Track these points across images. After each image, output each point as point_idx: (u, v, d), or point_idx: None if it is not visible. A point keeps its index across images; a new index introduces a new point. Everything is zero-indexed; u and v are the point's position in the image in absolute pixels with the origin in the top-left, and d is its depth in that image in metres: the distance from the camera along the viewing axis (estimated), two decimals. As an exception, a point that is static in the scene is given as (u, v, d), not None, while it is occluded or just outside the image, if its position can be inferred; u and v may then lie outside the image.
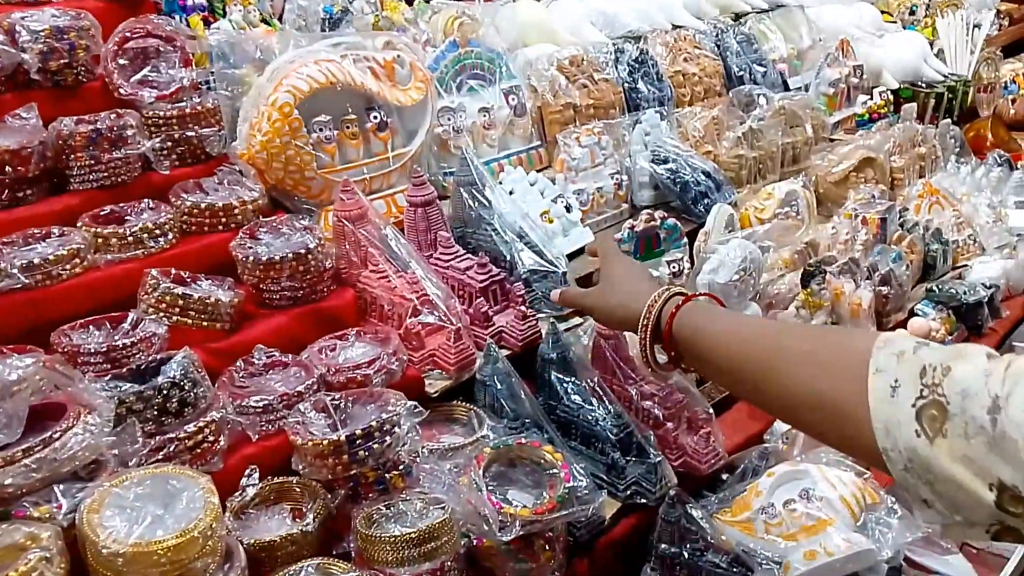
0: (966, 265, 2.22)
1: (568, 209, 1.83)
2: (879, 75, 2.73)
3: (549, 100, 1.93)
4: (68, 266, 1.22)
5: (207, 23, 1.66)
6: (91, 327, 1.17)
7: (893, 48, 2.80)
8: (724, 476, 1.44)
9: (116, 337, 1.15)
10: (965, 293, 2.02)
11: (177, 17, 1.66)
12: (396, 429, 1.11)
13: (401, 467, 1.13)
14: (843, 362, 0.74)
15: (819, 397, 0.76)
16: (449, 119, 1.76)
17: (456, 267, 1.46)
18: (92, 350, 1.12)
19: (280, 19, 1.77)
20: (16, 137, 1.31)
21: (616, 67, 2.11)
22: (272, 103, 1.44)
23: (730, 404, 1.61)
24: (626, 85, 2.11)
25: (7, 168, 1.28)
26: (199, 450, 1.06)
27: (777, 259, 1.95)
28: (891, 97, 2.66)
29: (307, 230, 1.38)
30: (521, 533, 1.08)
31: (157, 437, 1.03)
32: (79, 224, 1.30)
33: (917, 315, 1.99)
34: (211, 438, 1.08)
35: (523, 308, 1.43)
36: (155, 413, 1.04)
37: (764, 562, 1.23)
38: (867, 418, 0.70)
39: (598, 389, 1.39)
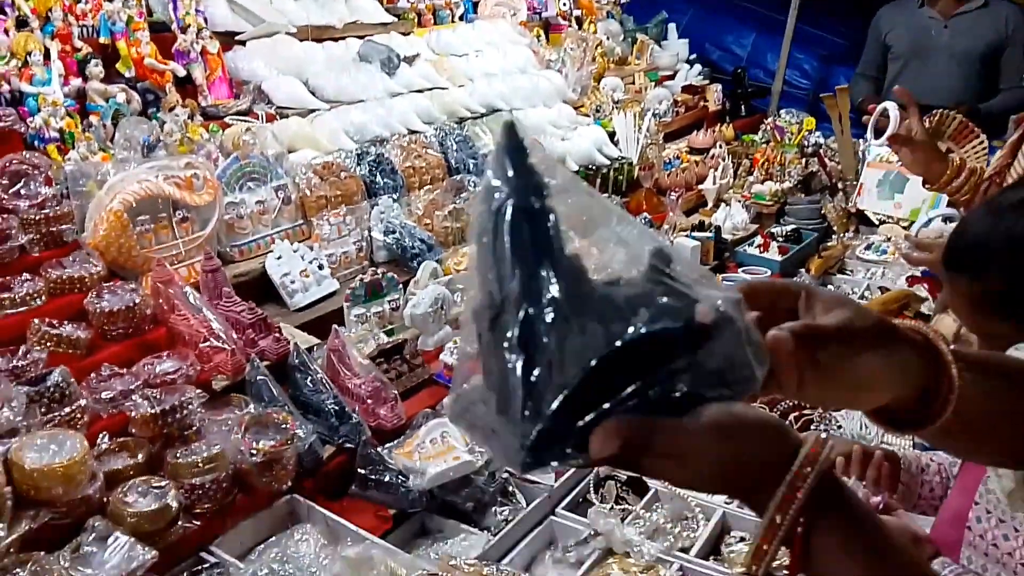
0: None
1: (320, 267, 2.74)
2: (564, 160, 3.83)
3: (307, 193, 2.83)
4: (-20, 319, 1.99)
5: (60, 150, 2.44)
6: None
7: (576, 140, 3.91)
8: (408, 431, 2.38)
9: (15, 360, 1.94)
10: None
11: (37, 144, 2.43)
12: (188, 406, 1.96)
13: (194, 428, 1.99)
14: None
15: None
16: (234, 209, 2.63)
17: (234, 310, 2.33)
18: (1, 368, 1.90)
19: (112, 141, 2.57)
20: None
21: (359, 166, 3.05)
22: (109, 210, 2.26)
23: (419, 389, 2.56)
24: (367, 179, 3.05)
25: (-68, 258, 2.03)
26: (73, 421, 1.87)
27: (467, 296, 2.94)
28: (569, 177, 3.76)
29: (133, 291, 2.20)
30: (264, 460, 1.96)
31: (49, 414, 1.84)
32: (-18, 292, 2.07)
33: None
34: (80, 415, 1.89)
35: (277, 335, 2.32)
36: (47, 401, 1.85)
37: (413, 473, 2.17)
38: None
39: (327, 382, 2.29)
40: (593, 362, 0.50)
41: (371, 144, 3.19)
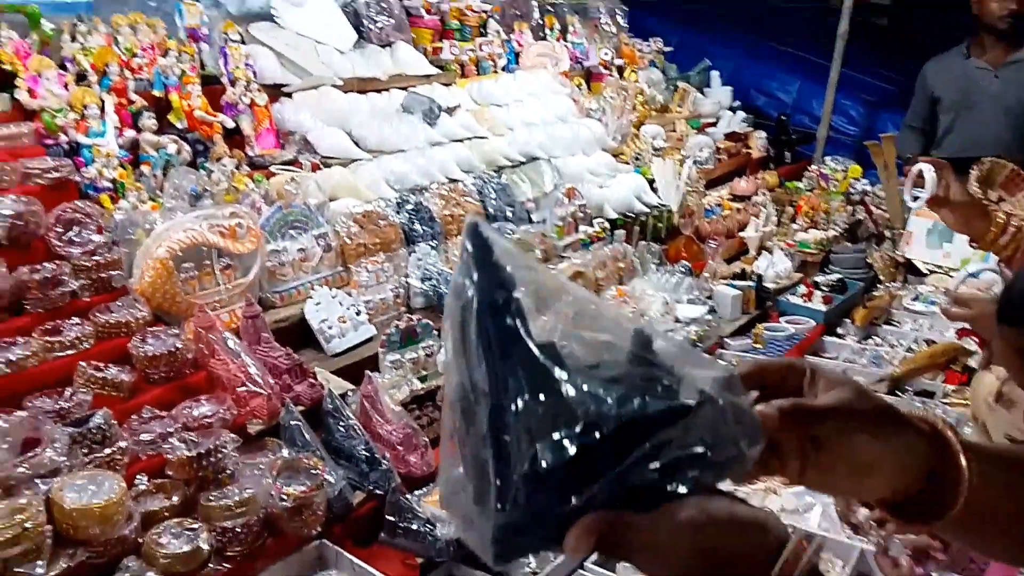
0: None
1: (358, 314, 2.79)
2: (602, 208, 3.85)
3: (347, 241, 2.90)
4: (30, 361, 2.08)
5: (113, 199, 2.55)
6: (45, 397, 2.03)
7: (615, 188, 3.94)
8: (437, 479, 2.39)
9: (61, 402, 2.01)
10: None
11: (91, 193, 2.54)
12: (223, 450, 2.01)
13: (228, 471, 2.03)
14: None
15: None
16: (276, 257, 2.70)
17: (271, 355, 2.38)
18: (48, 409, 1.97)
19: (162, 190, 2.67)
20: (-7, 284, 2.17)
21: (398, 214, 3.12)
22: (155, 258, 2.35)
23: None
24: (406, 226, 3.11)
25: (-12, 303, 2.13)
26: (113, 462, 1.93)
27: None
28: (607, 225, 3.78)
29: (176, 336, 2.27)
30: (294, 505, 1.99)
31: (90, 455, 1.90)
32: (33, 334, 2.15)
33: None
34: (120, 456, 1.95)
35: (312, 380, 2.37)
36: (89, 443, 1.91)
37: (441, 522, 2.17)
38: None
39: (359, 428, 2.33)
40: (569, 452, 0.50)
41: (411, 192, 3.26)
